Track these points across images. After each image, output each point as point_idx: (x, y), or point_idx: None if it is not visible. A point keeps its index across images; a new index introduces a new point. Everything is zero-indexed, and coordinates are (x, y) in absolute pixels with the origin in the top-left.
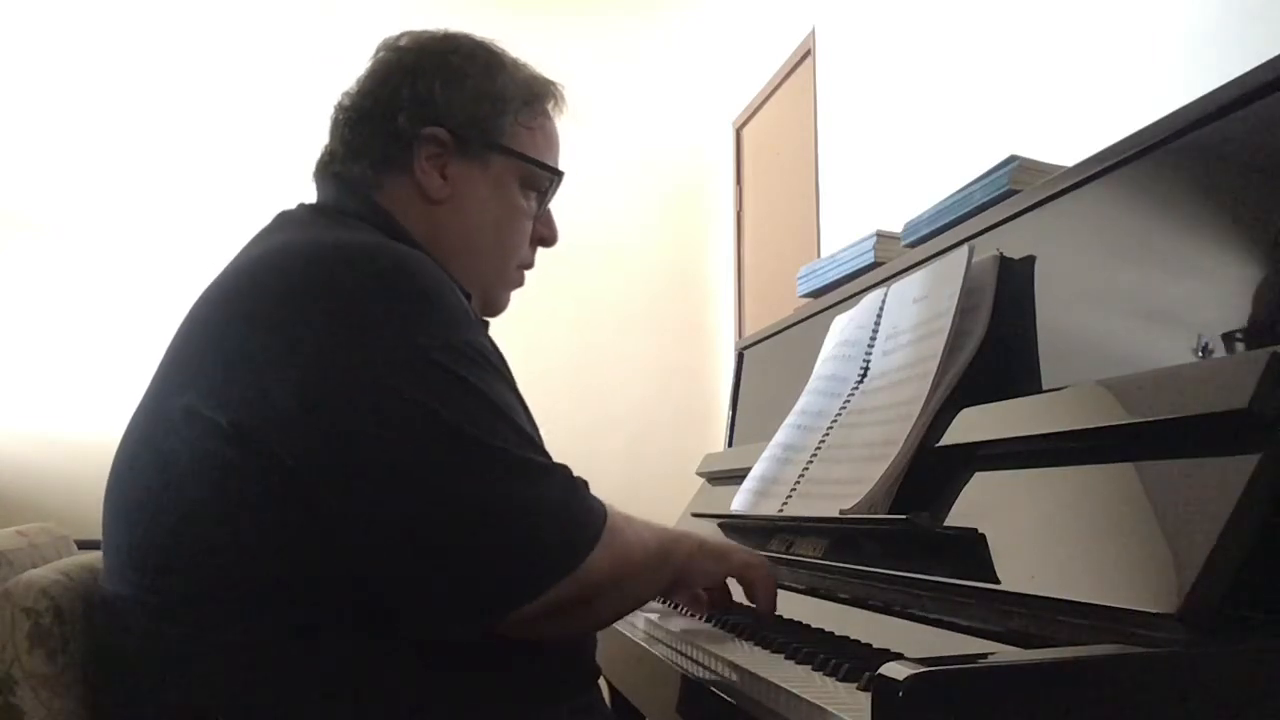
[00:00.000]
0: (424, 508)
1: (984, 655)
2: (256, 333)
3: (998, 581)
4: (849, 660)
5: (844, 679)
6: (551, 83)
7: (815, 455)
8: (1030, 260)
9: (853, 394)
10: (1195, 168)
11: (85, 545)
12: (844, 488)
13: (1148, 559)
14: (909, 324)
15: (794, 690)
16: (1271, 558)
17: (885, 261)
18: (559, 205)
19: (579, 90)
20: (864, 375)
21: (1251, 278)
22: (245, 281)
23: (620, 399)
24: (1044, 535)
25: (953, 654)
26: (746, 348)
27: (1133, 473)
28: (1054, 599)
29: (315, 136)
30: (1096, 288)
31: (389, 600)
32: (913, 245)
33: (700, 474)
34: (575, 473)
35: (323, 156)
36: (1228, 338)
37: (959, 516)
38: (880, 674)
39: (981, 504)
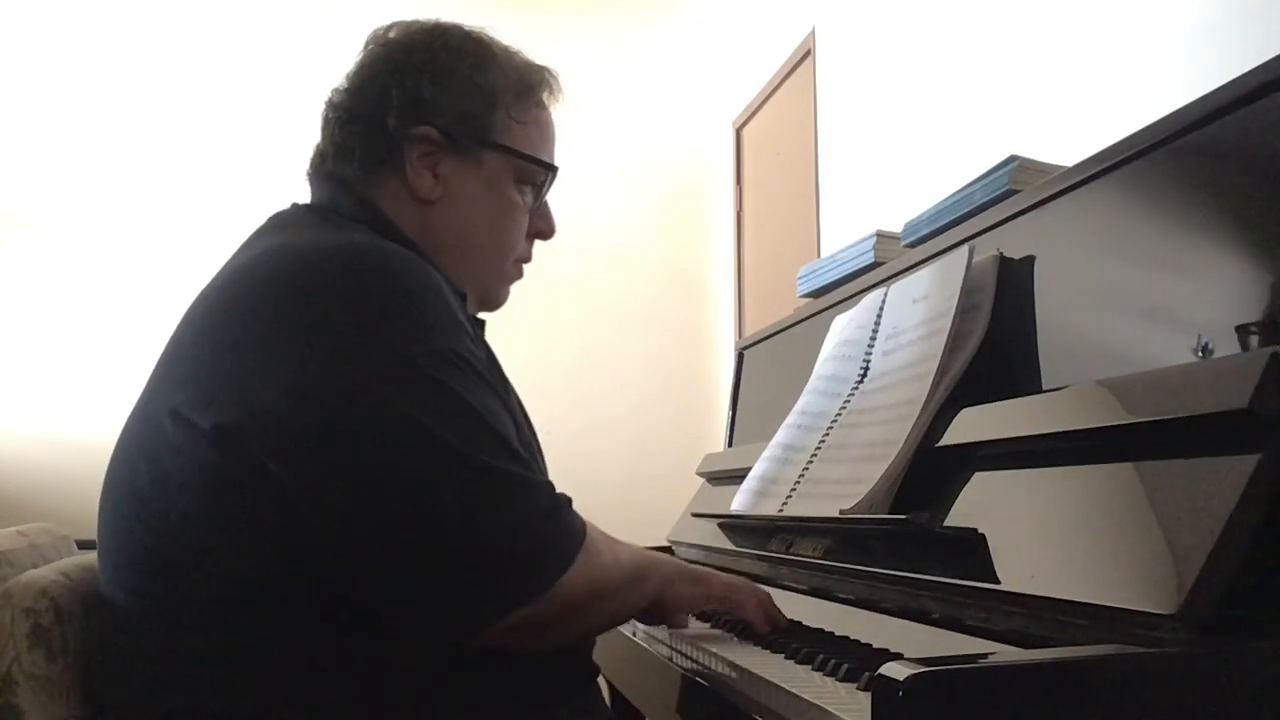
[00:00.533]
0: (398, 516)
1: (984, 655)
2: (243, 337)
3: (997, 581)
4: (849, 660)
5: (844, 679)
6: (545, 70)
7: (815, 455)
8: (1030, 260)
9: (853, 394)
10: (1195, 168)
11: (85, 545)
12: (844, 488)
13: (1148, 559)
14: (909, 324)
15: (794, 690)
16: (1271, 558)
17: (885, 261)
18: (557, 205)
19: (579, 90)
20: (864, 375)
21: (1251, 278)
22: (234, 286)
23: (620, 399)
24: (1044, 535)
25: (953, 654)
26: (746, 348)
27: (1133, 473)
28: (1054, 599)
29: (315, 136)
30: (1096, 288)
31: (369, 605)
32: (913, 245)
33: (700, 474)
34: (575, 474)
35: (315, 156)
36: (1227, 338)
37: (959, 516)
38: (880, 674)
39: (981, 504)
